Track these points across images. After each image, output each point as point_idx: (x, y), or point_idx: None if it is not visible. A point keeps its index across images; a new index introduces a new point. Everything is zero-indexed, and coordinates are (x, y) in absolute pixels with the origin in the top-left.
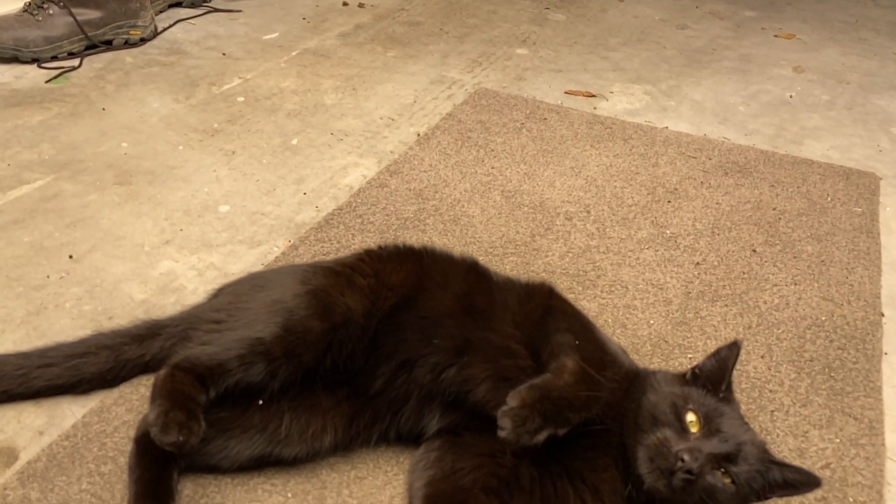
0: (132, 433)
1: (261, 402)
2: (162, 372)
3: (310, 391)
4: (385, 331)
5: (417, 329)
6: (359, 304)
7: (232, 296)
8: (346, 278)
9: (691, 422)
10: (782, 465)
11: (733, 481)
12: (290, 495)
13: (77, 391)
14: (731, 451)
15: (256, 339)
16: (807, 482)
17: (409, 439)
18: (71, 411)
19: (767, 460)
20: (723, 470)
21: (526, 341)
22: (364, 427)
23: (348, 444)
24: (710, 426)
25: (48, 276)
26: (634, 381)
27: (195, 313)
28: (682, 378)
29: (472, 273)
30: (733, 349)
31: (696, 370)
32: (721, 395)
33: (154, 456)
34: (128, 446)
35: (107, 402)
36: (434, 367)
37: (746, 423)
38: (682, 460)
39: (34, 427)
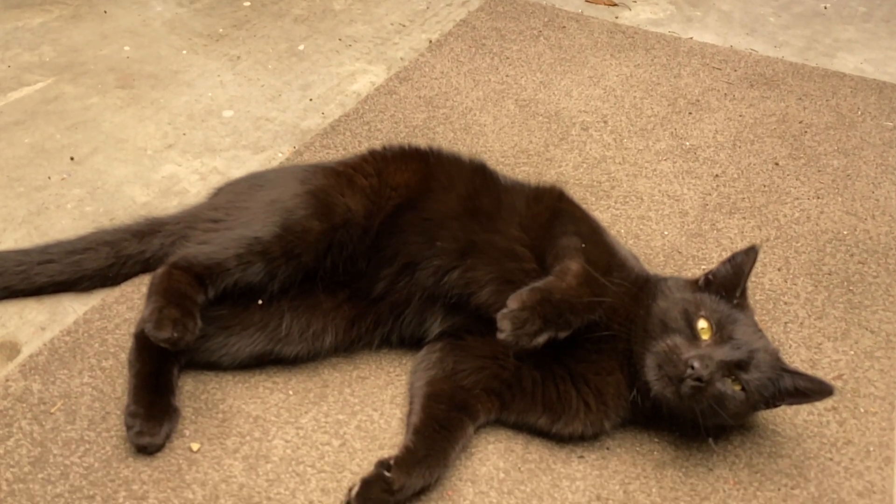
0: (133, 330)
1: (260, 301)
2: (159, 270)
3: (310, 293)
4: (387, 232)
5: (420, 231)
6: (359, 204)
7: (231, 195)
8: (348, 178)
9: (703, 328)
10: (795, 374)
11: (743, 388)
12: (291, 393)
13: (78, 288)
14: (742, 359)
15: (254, 238)
16: (819, 390)
17: (411, 343)
18: (72, 308)
19: (780, 368)
20: (733, 377)
21: (532, 244)
22: (366, 330)
23: (349, 345)
24: (722, 333)
25: (49, 178)
26: (644, 286)
27: (194, 212)
28: (694, 284)
29: (478, 175)
30: (750, 254)
31: (710, 276)
32: (735, 301)
33: (153, 351)
34: (129, 343)
35: (108, 300)
36: (437, 270)
37: (760, 331)
38: (692, 367)
39: (36, 323)
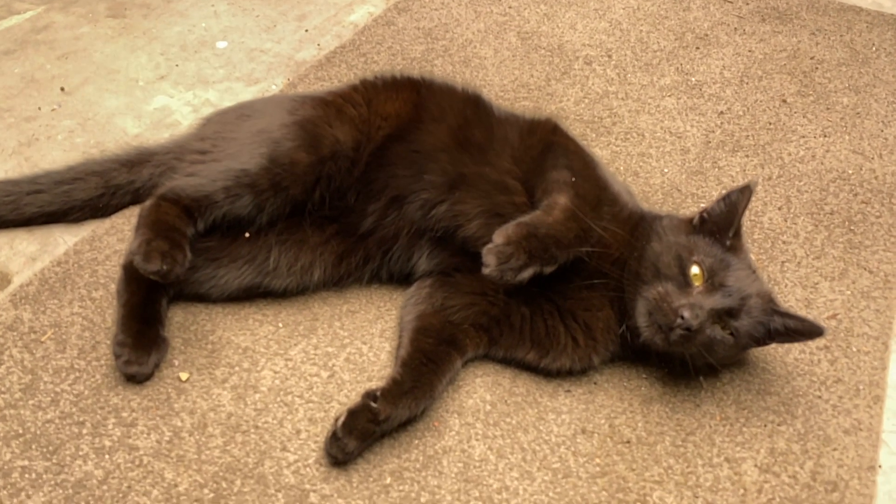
0: (122, 261)
1: (248, 234)
2: (147, 202)
3: (298, 227)
4: (376, 165)
5: (409, 163)
6: (348, 135)
7: (218, 125)
8: (337, 108)
9: (695, 275)
10: (786, 315)
11: (732, 333)
12: (280, 325)
13: (68, 219)
14: (733, 306)
15: (242, 170)
16: (809, 331)
17: (400, 279)
18: (63, 240)
19: (771, 310)
20: (723, 324)
21: (523, 178)
22: (355, 266)
23: (338, 280)
24: (713, 280)
25: (39, 108)
26: (639, 224)
27: (182, 143)
28: (689, 223)
29: (471, 106)
30: (745, 192)
31: (705, 214)
32: (729, 242)
33: (142, 282)
34: (119, 274)
35: (98, 232)
36: (424, 204)
37: (754, 273)
38: (682, 317)
39: (27, 253)
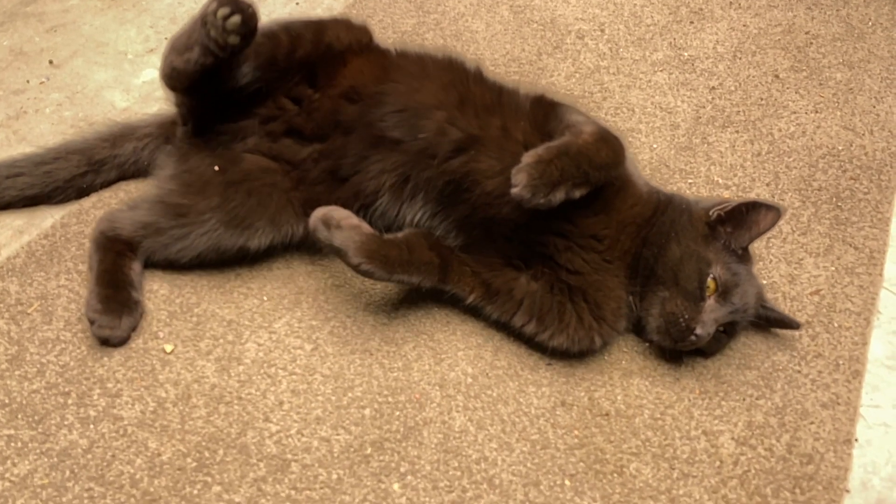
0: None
1: (217, 168)
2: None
3: (271, 172)
4: (345, 126)
5: (396, 124)
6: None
7: None
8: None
9: (709, 286)
10: (770, 311)
11: (727, 333)
12: (265, 299)
13: (53, 201)
14: (736, 320)
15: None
16: (787, 324)
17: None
18: (50, 213)
19: (760, 306)
20: (722, 328)
21: (544, 140)
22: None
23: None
24: (725, 294)
25: (28, 81)
26: (658, 203)
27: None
28: (702, 220)
29: (456, 66)
30: (771, 215)
31: (722, 214)
32: (740, 251)
33: (109, 250)
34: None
35: (85, 206)
36: (422, 163)
37: (754, 277)
38: (696, 334)
39: (13, 226)
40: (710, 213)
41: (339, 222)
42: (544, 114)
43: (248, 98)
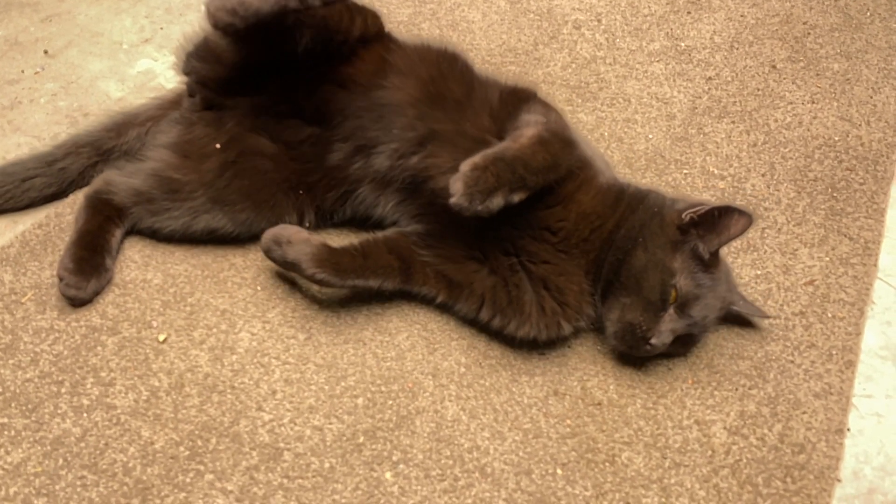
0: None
1: (219, 145)
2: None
3: (259, 156)
4: (339, 106)
5: (376, 117)
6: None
7: None
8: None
9: (671, 297)
10: (742, 309)
11: (683, 343)
12: (259, 288)
13: (68, 194)
14: (693, 333)
15: None
16: (758, 316)
17: (363, 222)
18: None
19: (727, 311)
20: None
21: (500, 134)
22: (316, 193)
23: (298, 207)
24: (684, 306)
25: (23, 71)
26: (620, 196)
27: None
28: (674, 224)
29: (446, 61)
30: (742, 221)
31: (695, 217)
32: (708, 258)
33: (97, 212)
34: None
35: (79, 195)
36: (392, 154)
37: (718, 284)
38: (650, 344)
39: (7, 216)
40: (683, 215)
41: (290, 238)
42: (508, 110)
43: (275, 71)
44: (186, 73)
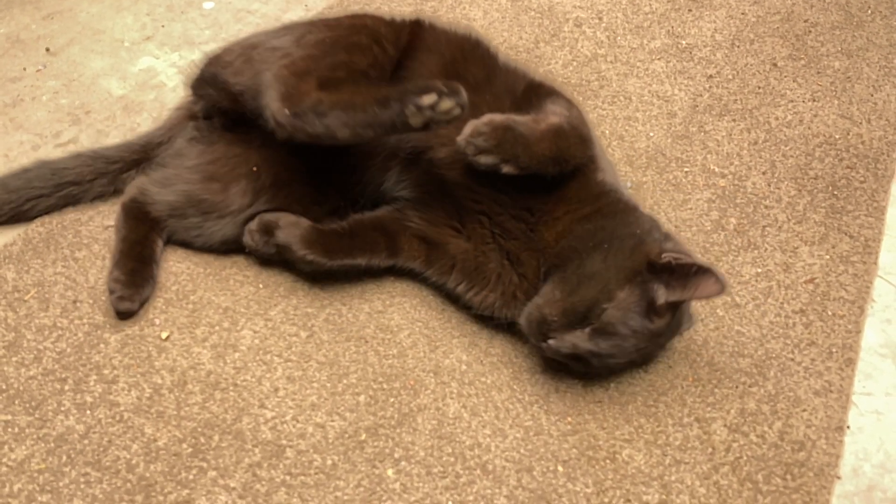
0: (107, 222)
1: (255, 168)
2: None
3: (296, 174)
4: None
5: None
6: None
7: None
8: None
9: (596, 318)
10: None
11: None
12: (261, 286)
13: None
14: (592, 363)
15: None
16: (696, 275)
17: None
18: None
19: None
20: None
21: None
22: (331, 180)
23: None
24: (600, 334)
25: (24, 69)
26: (604, 197)
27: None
28: (648, 256)
29: (469, 46)
30: (716, 290)
31: (673, 263)
32: (660, 306)
33: (140, 221)
34: (102, 235)
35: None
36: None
37: (647, 340)
38: (546, 343)
39: None
40: (663, 255)
41: (278, 222)
42: (531, 100)
43: None
44: (199, 96)
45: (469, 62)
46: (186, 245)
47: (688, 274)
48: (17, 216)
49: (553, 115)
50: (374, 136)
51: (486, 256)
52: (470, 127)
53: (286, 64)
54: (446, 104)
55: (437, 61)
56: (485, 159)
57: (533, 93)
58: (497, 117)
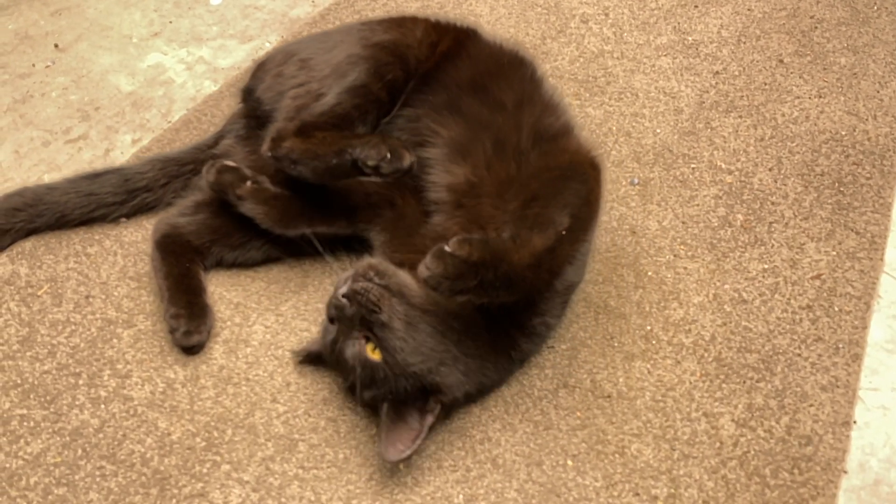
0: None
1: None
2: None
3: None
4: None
5: (419, 86)
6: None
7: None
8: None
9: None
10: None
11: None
12: (272, 282)
13: None
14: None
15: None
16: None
17: None
18: None
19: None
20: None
21: (523, 176)
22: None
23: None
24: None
25: (34, 65)
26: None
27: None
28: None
29: (513, 67)
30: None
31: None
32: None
33: (179, 255)
34: (113, 231)
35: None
36: (410, 116)
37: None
38: (336, 304)
39: None
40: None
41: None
42: (545, 172)
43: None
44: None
45: (502, 80)
46: (238, 266)
47: None
48: (85, 222)
49: (543, 230)
50: (336, 181)
51: (417, 236)
52: (441, 263)
53: (293, 95)
54: (386, 168)
55: (470, 72)
56: (461, 297)
57: (551, 161)
58: (476, 248)
